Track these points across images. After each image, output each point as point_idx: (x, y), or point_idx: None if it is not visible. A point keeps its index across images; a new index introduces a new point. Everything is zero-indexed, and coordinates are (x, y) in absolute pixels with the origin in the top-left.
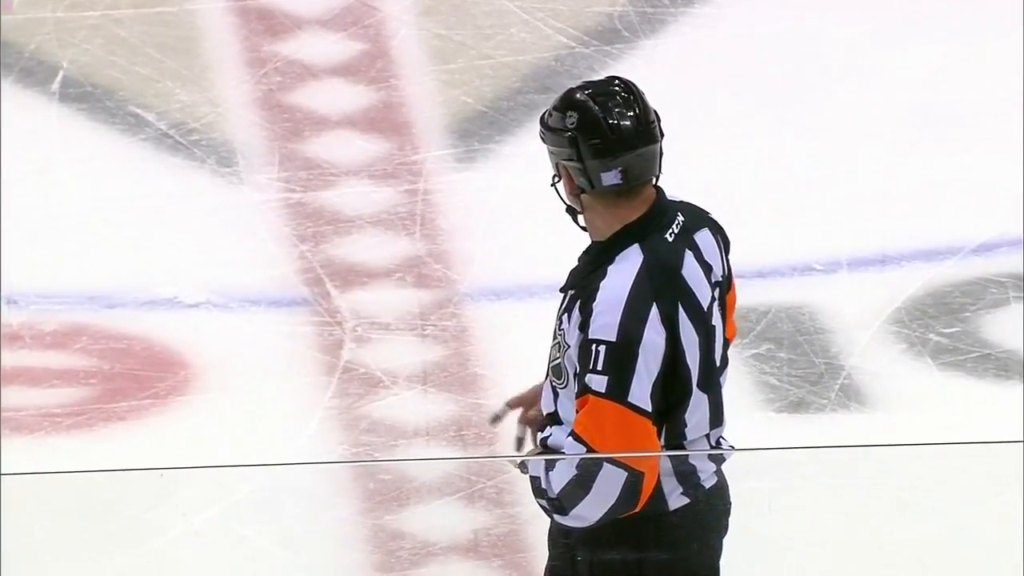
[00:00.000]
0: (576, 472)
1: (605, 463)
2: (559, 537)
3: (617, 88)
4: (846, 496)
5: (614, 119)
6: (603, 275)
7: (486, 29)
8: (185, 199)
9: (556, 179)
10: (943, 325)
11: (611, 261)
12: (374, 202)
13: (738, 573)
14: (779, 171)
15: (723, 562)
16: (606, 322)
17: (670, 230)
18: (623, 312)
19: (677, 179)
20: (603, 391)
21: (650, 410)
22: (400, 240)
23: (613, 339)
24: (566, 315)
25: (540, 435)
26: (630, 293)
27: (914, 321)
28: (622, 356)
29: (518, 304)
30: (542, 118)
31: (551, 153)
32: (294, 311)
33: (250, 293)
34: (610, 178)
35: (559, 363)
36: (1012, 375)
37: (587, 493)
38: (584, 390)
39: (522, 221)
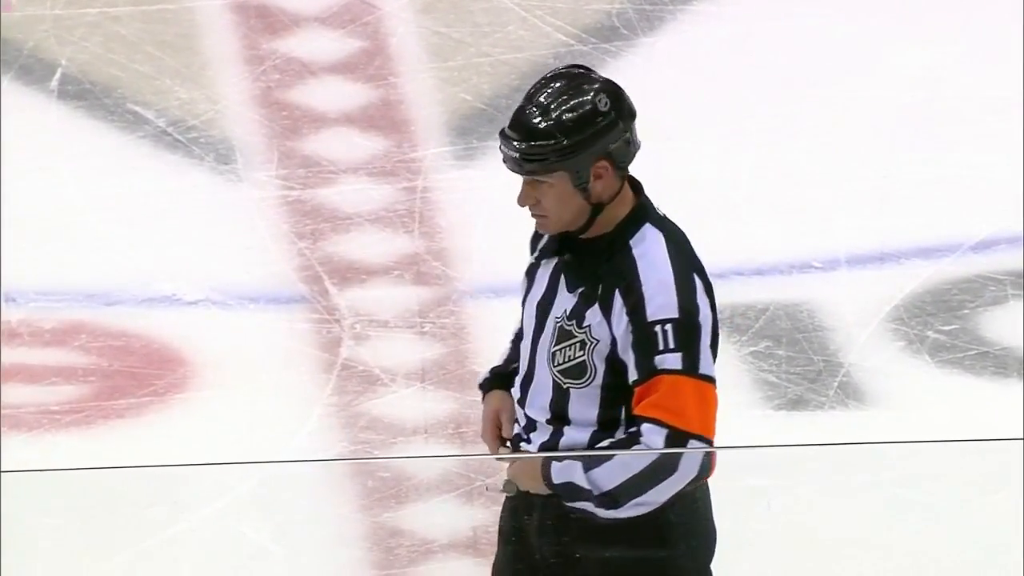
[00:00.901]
0: (653, 459)
1: (692, 440)
2: (552, 535)
3: (581, 67)
4: (845, 494)
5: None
6: (633, 259)
7: (484, 27)
8: (184, 196)
9: (586, 183)
10: (942, 323)
11: (627, 246)
12: (373, 199)
13: (738, 570)
14: (778, 168)
15: (723, 559)
16: (664, 302)
17: (655, 206)
18: (676, 288)
19: (675, 176)
20: (680, 368)
21: (715, 377)
22: (399, 237)
23: (676, 316)
24: (596, 308)
25: (542, 440)
26: (673, 269)
27: (913, 319)
28: (688, 330)
29: (517, 301)
30: (556, 140)
31: (589, 155)
32: (292, 308)
33: (249, 290)
34: (637, 137)
35: (581, 361)
36: (1010, 373)
37: (668, 475)
38: (651, 373)
39: (521, 218)
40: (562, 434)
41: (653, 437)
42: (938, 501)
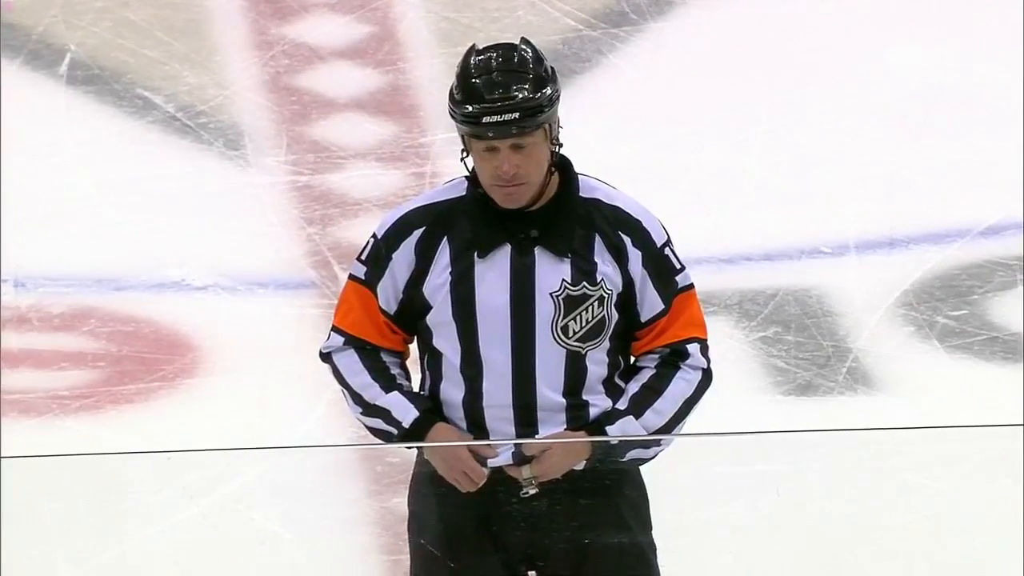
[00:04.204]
0: (686, 392)
1: (700, 344)
2: (565, 521)
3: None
4: (853, 479)
5: None
6: (609, 204)
7: (493, 12)
8: (193, 182)
9: (556, 136)
10: (950, 308)
11: (581, 190)
12: (381, 185)
13: (747, 555)
14: (786, 154)
15: (733, 545)
16: (657, 227)
17: None
18: (651, 212)
19: (684, 161)
20: (691, 282)
21: None
22: None
23: (667, 235)
24: (607, 258)
25: (563, 426)
26: (633, 198)
27: (921, 304)
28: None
29: None
30: (548, 89)
31: (549, 118)
32: (301, 294)
33: (258, 276)
34: None
35: (601, 318)
36: (1019, 358)
37: (702, 392)
38: (673, 295)
39: None
40: (592, 410)
41: (698, 355)
42: (946, 486)
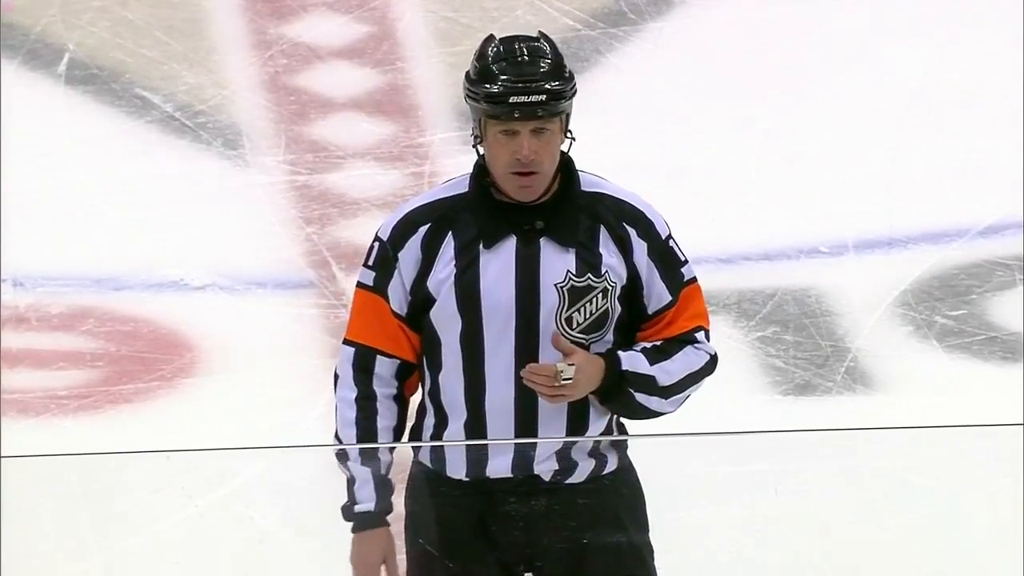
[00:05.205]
0: (695, 363)
1: (705, 332)
2: (562, 521)
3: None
4: (851, 478)
5: None
6: (612, 196)
7: (492, 11)
8: (191, 181)
9: (568, 127)
10: (949, 307)
11: (583, 184)
12: (380, 184)
13: (745, 556)
14: (785, 153)
15: (731, 545)
16: (661, 220)
17: None
18: (655, 207)
19: (683, 161)
20: (695, 275)
21: None
22: None
23: (670, 229)
24: (612, 250)
25: (563, 420)
26: (635, 192)
27: (920, 303)
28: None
29: None
30: (569, 76)
31: (568, 108)
32: (300, 293)
33: (256, 275)
34: None
35: (604, 309)
36: (1018, 357)
37: (704, 376)
38: (680, 287)
39: None
40: (583, 402)
41: (705, 342)
42: (944, 486)
